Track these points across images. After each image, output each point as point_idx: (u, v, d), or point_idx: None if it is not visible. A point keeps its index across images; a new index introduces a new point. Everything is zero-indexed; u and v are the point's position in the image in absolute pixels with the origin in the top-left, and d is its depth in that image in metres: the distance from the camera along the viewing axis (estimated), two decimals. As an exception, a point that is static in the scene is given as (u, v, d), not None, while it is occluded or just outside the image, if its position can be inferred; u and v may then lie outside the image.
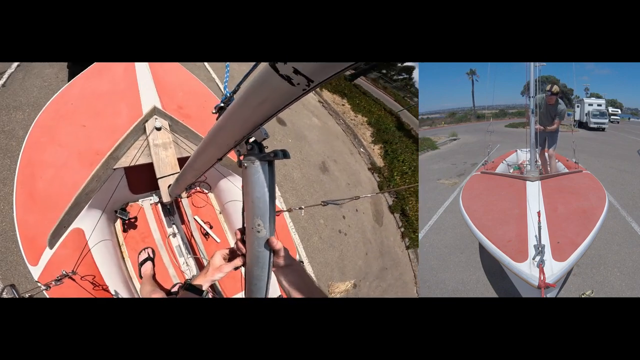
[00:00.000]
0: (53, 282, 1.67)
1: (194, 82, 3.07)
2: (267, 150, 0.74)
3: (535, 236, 2.05)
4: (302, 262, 4.25)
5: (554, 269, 1.89)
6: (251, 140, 0.73)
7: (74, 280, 1.82)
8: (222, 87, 5.72)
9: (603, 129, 13.25)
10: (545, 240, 2.09)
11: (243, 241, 0.87)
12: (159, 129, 2.10)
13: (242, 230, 0.87)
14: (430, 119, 19.37)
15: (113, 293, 1.98)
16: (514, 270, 1.95)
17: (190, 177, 1.48)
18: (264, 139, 0.70)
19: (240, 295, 2.68)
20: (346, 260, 4.88)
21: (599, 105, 14.07)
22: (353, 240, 5.19)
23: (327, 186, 5.65)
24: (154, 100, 2.45)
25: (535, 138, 3.55)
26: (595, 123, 13.38)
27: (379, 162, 7.23)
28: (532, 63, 3.51)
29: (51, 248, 1.91)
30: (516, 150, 5.37)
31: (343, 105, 8.49)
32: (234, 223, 2.72)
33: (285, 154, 0.70)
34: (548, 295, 1.86)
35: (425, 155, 9.07)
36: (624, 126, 14.77)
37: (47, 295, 1.71)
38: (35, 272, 1.89)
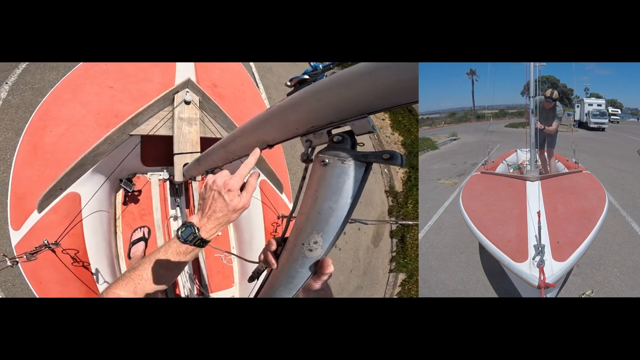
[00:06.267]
0: (25, 256, 1.46)
1: (234, 63, 2.89)
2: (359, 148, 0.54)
3: (535, 236, 2.05)
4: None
5: (554, 269, 1.89)
6: (340, 130, 0.55)
7: (54, 252, 1.67)
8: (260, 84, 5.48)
9: (603, 129, 13.24)
10: (545, 240, 2.08)
11: (276, 254, 0.69)
12: (188, 102, 1.97)
13: (280, 241, 0.69)
14: (430, 119, 19.35)
15: (93, 271, 1.87)
16: (514, 270, 1.95)
17: (217, 160, 1.23)
18: (369, 132, 0.51)
19: (230, 292, 2.58)
20: (331, 274, 4.90)
21: (599, 105, 14.07)
22: (345, 256, 5.18)
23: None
24: (190, 71, 2.35)
25: (535, 138, 3.55)
26: (595, 123, 13.37)
27: (399, 186, 6.81)
28: (532, 63, 3.51)
29: (40, 211, 1.76)
30: (516, 150, 5.36)
31: (383, 119, 7.68)
32: (239, 219, 2.60)
33: (402, 160, 0.48)
34: (548, 295, 1.86)
35: (425, 155, 9.06)
36: (624, 126, 14.76)
37: (21, 267, 1.58)
38: (15, 237, 1.75)
